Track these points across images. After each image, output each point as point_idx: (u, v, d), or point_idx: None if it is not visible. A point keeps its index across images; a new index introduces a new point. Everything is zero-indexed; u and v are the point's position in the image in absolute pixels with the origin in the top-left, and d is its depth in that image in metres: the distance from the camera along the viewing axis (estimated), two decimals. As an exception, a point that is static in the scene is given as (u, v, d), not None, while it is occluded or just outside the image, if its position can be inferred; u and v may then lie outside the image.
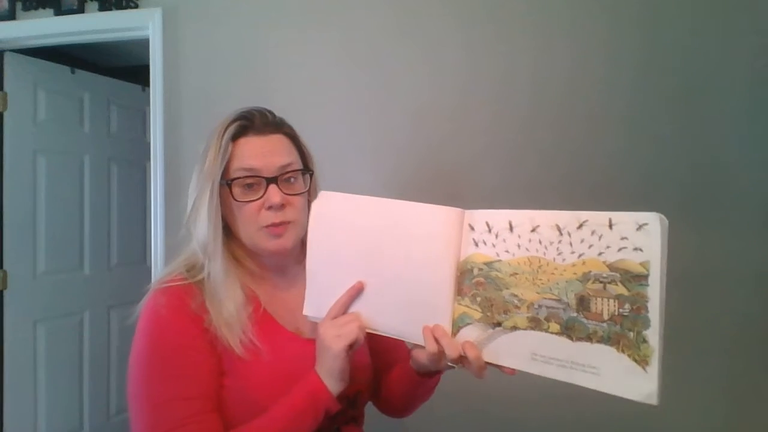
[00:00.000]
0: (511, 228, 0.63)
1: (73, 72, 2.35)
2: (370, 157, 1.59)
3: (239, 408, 0.70)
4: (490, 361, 0.64)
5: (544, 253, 0.61)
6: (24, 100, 2.16)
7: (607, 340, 0.56)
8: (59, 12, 1.85)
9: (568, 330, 0.58)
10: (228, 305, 0.71)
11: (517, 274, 0.62)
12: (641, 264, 0.54)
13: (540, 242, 0.61)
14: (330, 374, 0.68)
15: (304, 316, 0.78)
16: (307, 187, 0.79)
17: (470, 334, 0.65)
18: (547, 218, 0.61)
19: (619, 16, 1.41)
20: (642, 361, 0.54)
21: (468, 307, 0.65)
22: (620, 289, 0.55)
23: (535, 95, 1.46)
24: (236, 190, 0.74)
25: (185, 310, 0.70)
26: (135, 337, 0.70)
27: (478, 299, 0.65)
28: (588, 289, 0.57)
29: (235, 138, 0.75)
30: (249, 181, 0.74)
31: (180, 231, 0.79)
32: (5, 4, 1.89)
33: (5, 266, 2.09)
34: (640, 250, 0.54)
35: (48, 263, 2.25)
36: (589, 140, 1.42)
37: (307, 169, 0.80)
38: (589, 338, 0.57)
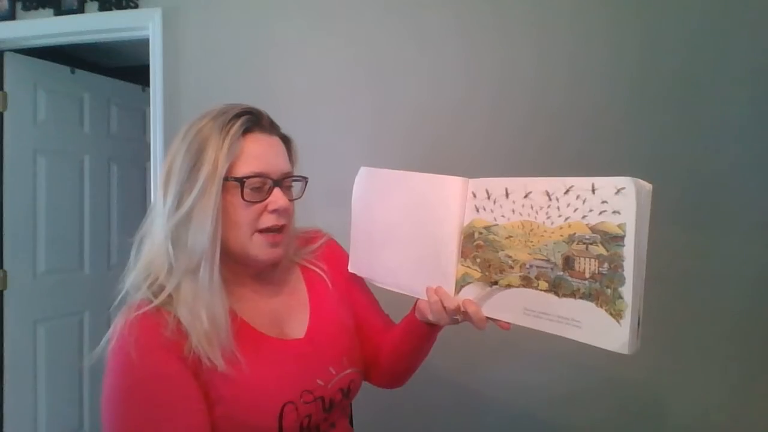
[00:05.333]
0: (507, 194, 0.68)
1: (73, 72, 2.35)
2: (369, 156, 1.59)
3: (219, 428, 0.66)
4: (488, 315, 0.69)
5: (535, 217, 0.65)
6: (24, 100, 2.16)
7: (588, 296, 0.60)
8: (59, 12, 1.85)
9: (555, 287, 0.63)
10: (217, 313, 0.66)
11: (511, 237, 0.67)
12: (618, 226, 0.57)
13: (532, 207, 0.66)
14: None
15: (287, 318, 0.78)
16: (301, 195, 0.78)
17: (471, 292, 0.71)
18: (538, 185, 0.66)
19: (619, 16, 1.41)
20: (617, 315, 0.57)
21: (469, 267, 0.71)
22: (600, 250, 0.59)
23: (534, 95, 1.46)
24: (246, 191, 0.69)
25: (161, 344, 0.63)
26: (106, 376, 0.63)
27: (478, 260, 0.70)
28: (573, 250, 0.61)
29: (243, 133, 0.71)
30: (257, 184, 0.70)
31: (139, 232, 0.71)
32: (5, 4, 1.90)
33: (5, 266, 2.09)
34: (618, 212, 0.58)
35: (48, 263, 2.25)
36: (588, 140, 1.42)
37: (302, 177, 0.79)
38: (573, 294, 0.61)
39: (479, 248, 0.70)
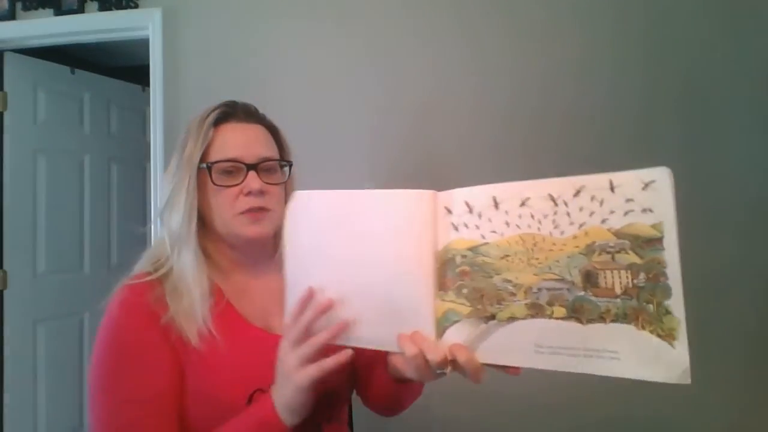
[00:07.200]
0: (496, 204, 0.55)
1: (73, 72, 2.35)
2: (369, 156, 1.59)
3: (202, 408, 0.67)
4: (486, 361, 0.55)
5: (539, 228, 0.53)
6: (24, 100, 2.16)
7: (623, 317, 0.49)
8: (59, 12, 1.85)
9: (576, 312, 0.51)
10: (194, 293, 0.68)
11: (508, 256, 0.54)
12: (653, 226, 0.48)
13: (532, 216, 0.53)
14: (288, 408, 0.60)
15: (275, 314, 0.77)
16: (286, 179, 0.79)
17: (459, 333, 0.56)
18: (537, 188, 0.54)
19: (626, 18, 1.41)
20: (668, 336, 0.47)
21: (453, 302, 0.57)
22: (632, 258, 0.49)
23: (540, 97, 1.46)
24: (215, 175, 0.72)
25: (142, 308, 0.67)
26: (97, 336, 0.69)
27: (465, 291, 0.56)
28: (594, 263, 0.50)
29: (216, 124, 0.75)
30: (229, 167, 0.72)
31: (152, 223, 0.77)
32: (5, 4, 1.89)
33: (5, 266, 2.09)
34: (650, 210, 0.48)
35: (48, 263, 2.25)
36: (595, 141, 1.42)
37: (285, 160, 0.80)
38: (601, 318, 0.50)
39: (465, 275, 0.56)
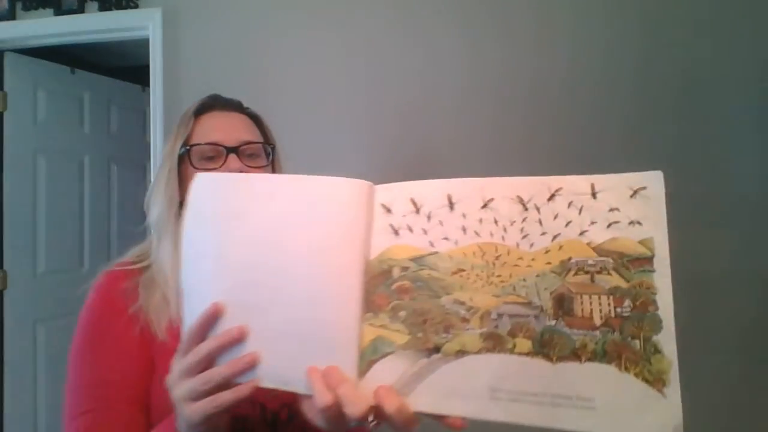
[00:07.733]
0: (451, 205, 0.45)
1: (73, 72, 2.35)
2: (367, 155, 1.59)
3: (160, 396, 0.63)
4: (424, 409, 0.42)
5: (503, 237, 0.43)
6: (24, 100, 2.16)
7: (602, 355, 0.39)
8: (59, 12, 1.85)
9: (545, 347, 0.41)
10: (171, 283, 0.67)
11: (463, 270, 0.43)
12: (642, 242, 0.40)
13: (495, 222, 0.43)
14: None
15: None
16: (269, 162, 0.77)
17: (391, 369, 0.43)
18: (503, 188, 0.44)
19: (621, 16, 1.41)
20: (657, 381, 0.38)
21: (386, 327, 0.44)
22: (615, 280, 0.40)
23: (534, 95, 1.46)
24: (195, 159, 0.72)
25: (112, 294, 0.68)
26: None
27: (402, 314, 0.44)
28: (569, 284, 0.41)
29: (197, 114, 0.75)
30: (209, 153, 0.72)
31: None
32: (5, 4, 1.89)
33: (5, 266, 2.09)
34: (639, 223, 0.41)
35: (48, 263, 2.25)
36: (590, 140, 1.42)
37: (267, 142, 0.78)
38: (575, 355, 0.40)
39: (404, 293, 0.44)
